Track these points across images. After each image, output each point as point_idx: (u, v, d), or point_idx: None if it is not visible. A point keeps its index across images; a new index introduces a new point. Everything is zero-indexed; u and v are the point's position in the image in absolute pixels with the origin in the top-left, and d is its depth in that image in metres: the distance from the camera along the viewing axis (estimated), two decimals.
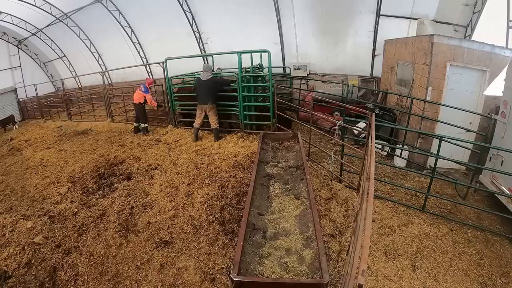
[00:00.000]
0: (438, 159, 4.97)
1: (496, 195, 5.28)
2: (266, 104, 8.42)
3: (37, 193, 6.02)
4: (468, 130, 6.11)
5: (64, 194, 5.81)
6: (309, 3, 10.61)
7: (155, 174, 6.23)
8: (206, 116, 7.53)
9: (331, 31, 10.86)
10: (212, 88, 7.00)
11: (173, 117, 9.13)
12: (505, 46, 7.52)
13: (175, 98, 8.90)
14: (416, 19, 9.17)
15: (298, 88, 11.28)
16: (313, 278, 2.74)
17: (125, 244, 4.48)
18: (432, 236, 4.57)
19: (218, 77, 7.61)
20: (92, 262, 4.16)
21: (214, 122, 7.44)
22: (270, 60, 7.55)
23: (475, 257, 4.24)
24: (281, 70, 11.94)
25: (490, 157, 5.66)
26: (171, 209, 5.12)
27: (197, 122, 7.50)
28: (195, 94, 7.76)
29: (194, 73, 11.27)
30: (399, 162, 7.04)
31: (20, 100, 15.38)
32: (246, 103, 8.04)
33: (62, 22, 14.96)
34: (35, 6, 13.53)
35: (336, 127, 5.86)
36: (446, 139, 4.92)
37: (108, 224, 4.85)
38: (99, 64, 16.60)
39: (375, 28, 10.10)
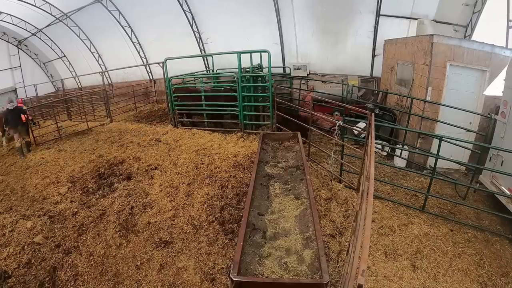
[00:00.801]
0: (438, 159, 4.96)
1: (496, 195, 5.28)
2: (266, 104, 8.42)
3: (37, 193, 6.01)
4: (468, 130, 6.11)
5: (64, 194, 5.81)
6: (309, 3, 10.61)
7: (155, 174, 6.23)
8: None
9: (331, 31, 10.86)
10: (18, 115, 8.08)
11: (173, 117, 9.14)
12: (505, 46, 7.51)
13: (175, 98, 8.90)
14: (416, 19, 9.18)
15: (298, 88, 11.29)
16: (313, 278, 2.74)
17: (125, 244, 4.48)
18: (432, 236, 4.57)
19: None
20: (92, 262, 4.16)
21: (27, 137, 8.45)
22: (270, 60, 7.55)
23: (475, 257, 4.24)
24: (281, 70, 11.94)
25: (490, 157, 5.66)
26: (171, 209, 5.12)
27: (19, 142, 8.07)
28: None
29: (194, 73, 11.31)
30: (399, 162, 7.04)
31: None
32: (246, 103, 8.06)
33: (62, 22, 14.96)
34: (35, 6, 13.53)
35: (336, 127, 5.86)
36: (446, 139, 4.92)
37: (108, 224, 4.85)
38: (99, 64, 16.60)
39: (375, 28, 10.10)
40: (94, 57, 16.45)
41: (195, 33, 12.86)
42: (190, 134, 8.39)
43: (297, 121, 7.06)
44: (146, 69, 15.45)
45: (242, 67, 7.87)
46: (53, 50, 17.44)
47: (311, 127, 6.53)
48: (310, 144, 6.88)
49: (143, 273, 3.93)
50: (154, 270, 3.97)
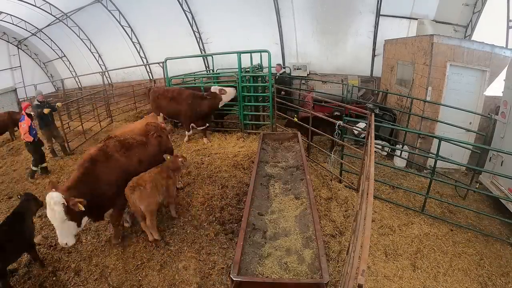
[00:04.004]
0: (438, 160, 4.96)
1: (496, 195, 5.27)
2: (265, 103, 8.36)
3: (37, 193, 6.00)
4: (468, 130, 6.11)
5: None
6: (309, 3, 10.62)
7: None
8: None
9: (331, 31, 10.87)
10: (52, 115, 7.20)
11: None
12: (505, 46, 7.52)
13: None
14: (416, 19, 9.18)
15: (298, 88, 11.28)
16: (313, 278, 2.74)
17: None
18: (432, 236, 4.57)
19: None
20: (93, 262, 4.16)
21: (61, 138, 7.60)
22: (270, 60, 7.55)
23: (475, 257, 4.24)
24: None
25: (490, 157, 5.66)
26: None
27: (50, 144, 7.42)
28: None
29: (194, 73, 11.31)
30: (399, 162, 7.04)
31: (20, 100, 15.36)
32: (246, 103, 8.06)
33: (62, 22, 14.96)
34: (35, 6, 13.53)
35: (336, 127, 5.86)
36: (445, 140, 4.91)
37: (108, 224, 4.85)
38: (99, 64, 16.60)
39: (375, 28, 10.11)
40: (94, 57, 16.45)
41: (195, 33, 12.86)
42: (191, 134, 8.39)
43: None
44: (146, 69, 15.45)
45: (242, 67, 7.87)
46: (53, 50, 17.44)
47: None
48: (310, 144, 6.89)
49: (143, 273, 3.93)
50: (154, 270, 3.96)
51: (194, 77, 10.61)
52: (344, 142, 6.07)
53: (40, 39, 16.78)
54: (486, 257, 4.23)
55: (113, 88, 15.56)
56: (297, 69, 11.58)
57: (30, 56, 18.20)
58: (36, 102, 7.10)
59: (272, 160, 5.27)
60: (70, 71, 18.22)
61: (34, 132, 6.44)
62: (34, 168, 6.58)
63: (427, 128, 6.66)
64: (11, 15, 14.64)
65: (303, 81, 11.63)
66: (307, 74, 11.51)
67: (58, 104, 7.46)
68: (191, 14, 12.41)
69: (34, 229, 4.11)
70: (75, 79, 18.12)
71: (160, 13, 12.90)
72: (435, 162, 4.96)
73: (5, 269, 3.49)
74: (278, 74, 9.89)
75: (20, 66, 17.63)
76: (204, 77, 11.42)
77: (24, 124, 6.23)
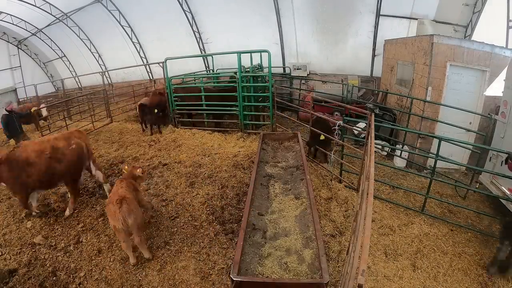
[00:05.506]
0: (438, 160, 4.96)
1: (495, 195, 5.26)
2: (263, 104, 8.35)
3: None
4: (468, 130, 6.11)
5: (64, 194, 5.80)
6: (309, 3, 10.62)
7: (154, 174, 6.23)
8: None
9: (331, 31, 10.87)
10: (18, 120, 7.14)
11: (173, 117, 9.14)
12: (505, 46, 7.51)
13: (175, 98, 8.90)
14: (416, 19, 9.18)
15: (298, 88, 11.29)
16: (313, 278, 2.74)
17: None
18: (432, 236, 4.57)
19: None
20: (93, 262, 4.16)
21: None
22: (270, 60, 7.55)
23: (475, 257, 4.24)
24: (281, 70, 11.95)
25: (490, 157, 5.65)
26: (171, 209, 5.12)
27: None
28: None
29: (194, 73, 11.31)
30: (399, 162, 7.04)
31: (20, 100, 15.36)
32: (246, 103, 8.06)
33: (62, 22, 14.97)
34: (35, 6, 13.53)
35: (336, 127, 5.85)
36: (445, 140, 4.91)
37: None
38: (99, 64, 16.61)
39: (375, 28, 10.11)
40: (94, 57, 16.46)
41: (195, 33, 12.87)
42: (190, 134, 8.40)
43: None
44: (146, 69, 15.45)
45: (242, 67, 7.87)
46: (53, 50, 17.45)
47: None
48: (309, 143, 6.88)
49: (143, 273, 3.93)
50: (154, 270, 3.96)
51: (194, 77, 10.61)
52: (344, 142, 6.07)
53: (40, 39, 16.78)
54: (486, 257, 4.23)
55: (113, 88, 15.57)
56: (297, 69, 11.59)
57: (30, 56, 18.20)
58: (5, 112, 6.88)
59: (272, 160, 5.27)
60: (70, 71, 18.22)
61: None
62: None
63: (427, 128, 6.66)
64: (11, 15, 14.64)
65: (303, 81, 11.64)
66: (307, 74, 11.51)
67: (33, 108, 7.43)
68: (191, 14, 12.41)
69: None
70: (75, 79, 18.12)
71: (160, 13, 12.90)
72: (435, 162, 4.96)
73: None
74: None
75: (20, 66, 17.63)
76: (204, 77, 11.43)
77: None
